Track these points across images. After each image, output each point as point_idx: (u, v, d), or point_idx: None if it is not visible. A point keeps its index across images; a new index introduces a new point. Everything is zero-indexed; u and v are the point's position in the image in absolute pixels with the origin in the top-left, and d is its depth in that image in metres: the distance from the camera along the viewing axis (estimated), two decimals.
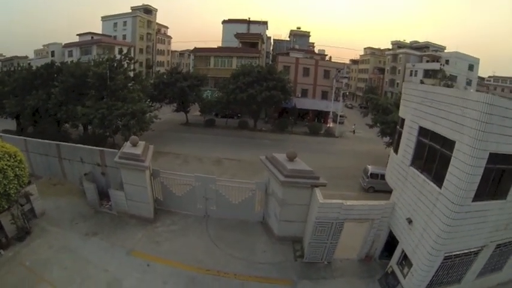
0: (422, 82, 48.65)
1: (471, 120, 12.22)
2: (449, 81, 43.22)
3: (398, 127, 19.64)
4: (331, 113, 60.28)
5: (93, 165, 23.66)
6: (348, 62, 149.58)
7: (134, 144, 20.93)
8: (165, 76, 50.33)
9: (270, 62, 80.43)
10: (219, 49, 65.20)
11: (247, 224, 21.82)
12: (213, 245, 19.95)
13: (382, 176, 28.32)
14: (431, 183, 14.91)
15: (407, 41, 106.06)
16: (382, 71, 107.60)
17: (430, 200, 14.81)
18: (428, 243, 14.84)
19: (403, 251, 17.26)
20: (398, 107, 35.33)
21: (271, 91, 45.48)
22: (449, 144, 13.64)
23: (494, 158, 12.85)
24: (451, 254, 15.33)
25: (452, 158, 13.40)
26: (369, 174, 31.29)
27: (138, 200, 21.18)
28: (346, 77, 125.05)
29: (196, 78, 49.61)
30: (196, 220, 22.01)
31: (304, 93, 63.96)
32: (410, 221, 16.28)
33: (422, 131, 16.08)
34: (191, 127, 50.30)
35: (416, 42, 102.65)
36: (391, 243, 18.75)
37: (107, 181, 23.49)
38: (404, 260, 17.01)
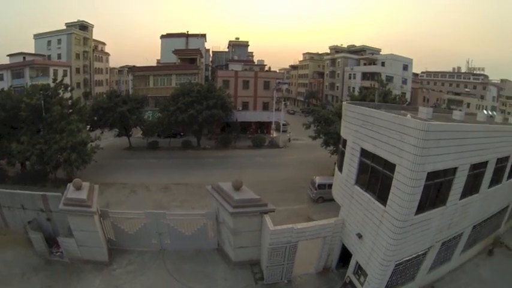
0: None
1: (409, 145, 13.84)
2: (384, 87, 47.05)
3: (340, 146, 21.33)
4: (273, 123, 62.34)
5: (36, 212, 22.47)
6: (287, 67, 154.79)
7: (78, 188, 20.26)
8: (104, 100, 48.50)
9: (210, 75, 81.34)
10: (157, 67, 65.11)
11: (204, 253, 22.31)
12: (172, 279, 20.21)
13: (330, 186, 30.16)
14: (376, 202, 16.60)
15: (345, 45, 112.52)
16: (321, 75, 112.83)
17: (376, 217, 16.50)
18: (379, 256, 16.61)
19: (357, 262, 19.05)
20: (339, 117, 38.14)
21: (212, 110, 46.15)
22: (391, 166, 15.23)
23: (431, 175, 14.81)
24: (401, 260, 17.44)
25: (393, 179, 15.03)
26: (316, 185, 32.89)
27: (90, 244, 20.64)
28: (286, 83, 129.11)
29: (136, 100, 48.87)
30: (153, 256, 22.05)
31: (245, 105, 65.21)
32: (360, 236, 18.04)
33: (365, 153, 17.62)
34: (135, 151, 49.47)
35: (353, 46, 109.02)
36: (346, 253, 20.42)
37: (54, 227, 22.50)
38: (360, 270, 18.77)
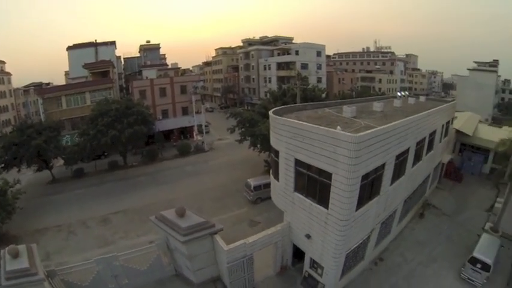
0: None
1: (343, 156, 15.30)
2: (302, 80, 49.22)
3: (273, 156, 22.27)
4: (195, 126, 62.32)
5: None
6: (201, 64, 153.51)
7: (15, 256, 17.65)
8: (15, 134, 42.37)
9: (124, 84, 78.42)
10: (68, 86, 58.46)
11: (164, 282, 22.43)
12: None
13: (265, 186, 32.86)
14: (318, 206, 18.12)
15: (257, 37, 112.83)
16: (236, 69, 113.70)
17: (321, 219, 18.09)
18: (330, 251, 18.46)
19: (311, 258, 20.89)
20: (263, 116, 39.55)
21: (134, 127, 44.64)
22: (327, 174, 16.66)
23: (365, 176, 16.66)
24: (350, 249, 19.61)
25: (332, 186, 16.54)
26: (252, 187, 34.01)
27: None
28: (202, 81, 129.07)
29: (51, 128, 44.17)
30: None
31: (165, 113, 64.49)
32: (309, 237, 19.65)
33: (299, 163, 18.81)
34: (60, 184, 44.55)
35: (265, 37, 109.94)
36: (299, 249, 22.07)
37: None
38: (316, 264, 20.64)
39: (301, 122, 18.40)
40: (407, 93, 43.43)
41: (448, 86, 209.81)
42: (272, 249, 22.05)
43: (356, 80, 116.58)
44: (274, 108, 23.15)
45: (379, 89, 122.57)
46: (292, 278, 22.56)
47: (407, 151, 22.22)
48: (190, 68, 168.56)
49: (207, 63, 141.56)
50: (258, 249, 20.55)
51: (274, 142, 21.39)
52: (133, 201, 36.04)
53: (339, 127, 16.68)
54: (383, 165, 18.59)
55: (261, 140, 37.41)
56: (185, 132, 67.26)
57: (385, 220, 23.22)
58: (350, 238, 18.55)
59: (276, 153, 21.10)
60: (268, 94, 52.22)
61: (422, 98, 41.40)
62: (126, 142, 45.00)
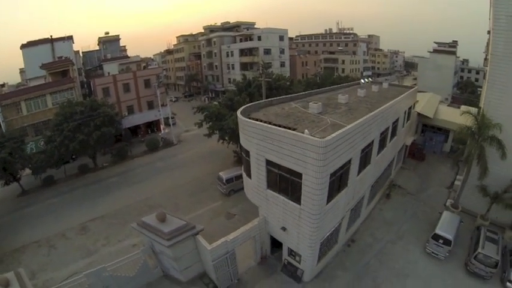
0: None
1: (312, 159, 16.56)
2: (266, 69, 49.83)
3: (244, 155, 23.25)
4: (162, 119, 62.35)
5: None
6: (162, 52, 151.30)
7: (6, 286, 16.95)
8: None
9: (84, 80, 76.21)
10: (26, 90, 55.37)
11: (154, 285, 23.25)
12: None
13: (237, 177, 34.34)
14: (291, 202, 19.53)
15: (219, 23, 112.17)
16: (198, 56, 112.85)
17: (295, 213, 19.55)
18: (305, 241, 20.14)
19: (289, 247, 22.63)
20: (230, 108, 40.13)
21: (101, 129, 43.81)
22: (298, 174, 17.95)
23: (333, 173, 18.14)
24: (324, 237, 21.44)
25: (302, 185, 17.88)
26: (224, 180, 35.02)
27: None
28: (165, 69, 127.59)
29: (14, 139, 41.36)
30: None
31: (131, 109, 63.42)
32: (284, 229, 21.21)
33: (270, 163, 19.90)
34: (31, 195, 42.24)
35: (227, 23, 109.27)
36: (276, 240, 23.69)
37: None
38: (293, 252, 22.41)
39: (269, 125, 19.26)
40: (370, 79, 45.43)
41: (409, 65, 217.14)
42: (251, 242, 23.59)
43: (319, 62, 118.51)
44: (242, 108, 23.84)
45: (343, 69, 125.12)
46: (273, 266, 24.31)
47: (372, 143, 24.07)
48: (152, 57, 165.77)
49: (168, 52, 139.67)
50: (239, 245, 21.99)
51: (244, 143, 22.36)
52: (109, 205, 35.93)
53: (306, 131, 17.84)
54: (349, 160, 20.22)
55: (229, 134, 37.98)
56: (152, 126, 67.20)
57: (354, 207, 25.24)
58: (323, 228, 20.28)
59: (247, 152, 22.11)
60: (234, 87, 51.66)
61: (385, 85, 43.25)
62: (94, 145, 44.33)
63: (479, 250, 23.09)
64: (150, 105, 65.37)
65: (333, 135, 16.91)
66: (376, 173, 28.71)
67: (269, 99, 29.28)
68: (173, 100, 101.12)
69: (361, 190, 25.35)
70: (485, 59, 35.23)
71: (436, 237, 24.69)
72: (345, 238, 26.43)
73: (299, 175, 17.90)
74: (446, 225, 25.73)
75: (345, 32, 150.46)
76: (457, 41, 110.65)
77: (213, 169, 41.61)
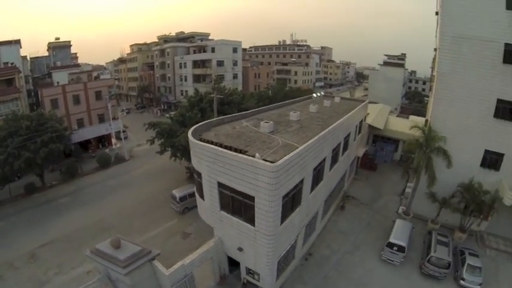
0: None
1: (264, 183, 16.68)
2: (219, 84, 49.66)
3: (196, 177, 22.99)
4: (113, 133, 60.17)
5: None
6: (115, 60, 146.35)
7: None
8: None
9: (32, 87, 71.87)
10: None
11: None
12: None
13: (190, 195, 33.81)
14: (246, 224, 19.56)
15: (173, 33, 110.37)
16: (152, 67, 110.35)
17: (250, 234, 19.59)
18: (262, 261, 20.29)
19: (246, 267, 22.67)
20: (181, 124, 39.58)
21: (49, 145, 40.88)
22: (250, 197, 18.00)
23: (286, 195, 18.42)
24: (281, 255, 21.69)
25: (255, 207, 17.97)
26: (178, 199, 34.56)
27: None
28: (117, 79, 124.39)
29: None
30: None
31: (81, 123, 59.44)
32: (241, 249, 21.25)
33: (222, 185, 19.79)
34: None
35: (182, 33, 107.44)
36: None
37: None
38: (252, 271, 22.44)
39: (220, 148, 19.23)
40: (322, 93, 46.67)
41: (360, 76, 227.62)
42: (209, 263, 23.37)
43: (272, 74, 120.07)
44: (192, 128, 23.54)
45: (295, 81, 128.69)
46: (233, 285, 24.23)
47: (324, 160, 24.63)
48: (104, 65, 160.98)
49: (121, 60, 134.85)
50: (197, 267, 21.72)
51: (195, 164, 22.08)
52: (59, 229, 33.58)
53: (257, 154, 17.95)
54: (302, 180, 20.57)
55: (181, 151, 37.32)
56: (103, 140, 64.34)
57: (309, 222, 25.71)
58: (279, 247, 20.52)
59: (199, 174, 21.86)
60: (184, 94, 49.97)
61: (337, 99, 44.65)
62: (42, 163, 41.67)
63: (432, 253, 25.13)
64: (101, 119, 62.59)
65: (284, 158, 17.12)
66: (329, 188, 29.47)
67: (220, 117, 29.17)
68: (125, 112, 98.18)
69: (315, 206, 25.92)
70: (432, 74, 37.37)
71: (391, 245, 26.29)
72: (302, 252, 26.86)
73: (252, 198, 17.98)
74: (400, 233, 27.44)
75: (298, 43, 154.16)
76: (405, 54, 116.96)
77: (166, 186, 41.00)
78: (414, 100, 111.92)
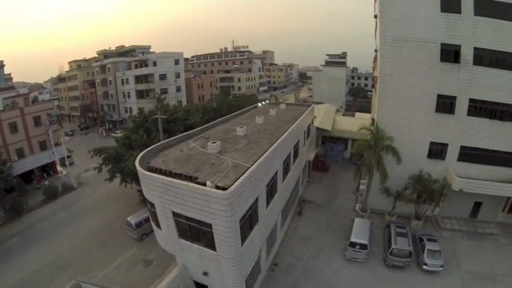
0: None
1: (218, 210, 16.61)
2: (162, 102, 48.69)
3: (149, 207, 22.25)
4: (57, 160, 56.67)
5: None
6: (55, 77, 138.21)
7: None
8: None
9: None
10: None
11: None
12: None
13: (146, 220, 32.65)
14: (206, 249, 19.36)
15: (113, 47, 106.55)
16: (93, 84, 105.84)
17: (213, 259, 19.45)
18: (229, 283, 20.27)
19: None
20: (128, 147, 38.47)
21: None
22: (207, 224, 17.86)
23: (242, 217, 18.46)
24: (247, 273, 21.83)
25: (214, 233, 17.88)
26: (134, 226, 33.44)
27: None
28: (57, 99, 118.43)
29: None
30: None
31: (21, 152, 55.49)
32: (206, 274, 21.01)
33: (177, 214, 19.42)
34: None
35: (122, 47, 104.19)
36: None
37: None
38: None
39: (171, 179, 18.83)
40: (267, 101, 47.09)
41: (303, 76, 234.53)
42: None
43: (215, 82, 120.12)
44: (139, 156, 22.94)
45: (239, 87, 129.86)
46: None
47: (275, 174, 24.93)
48: (43, 84, 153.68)
49: (60, 79, 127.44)
50: None
51: (147, 194, 21.51)
52: (13, 274, 30.51)
53: (208, 182, 17.79)
54: (256, 199, 20.73)
55: (131, 176, 36.10)
56: (48, 168, 59.72)
57: (269, 235, 25.98)
58: (244, 267, 20.68)
59: (152, 204, 21.35)
60: (130, 121, 47.83)
61: (282, 106, 45.29)
62: None
63: (393, 246, 27.20)
64: (43, 146, 58.51)
65: (236, 184, 17.13)
66: (284, 197, 29.91)
67: (167, 140, 28.42)
68: (69, 134, 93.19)
69: (273, 218, 26.21)
70: (374, 75, 38.91)
71: (353, 244, 27.78)
72: (267, 264, 27.14)
73: (209, 225, 17.89)
74: (360, 231, 29.05)
75: (240, 50, 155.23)
76: (346, 53, 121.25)
77: (120, 212, 39.61)
78: (358, 96, 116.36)
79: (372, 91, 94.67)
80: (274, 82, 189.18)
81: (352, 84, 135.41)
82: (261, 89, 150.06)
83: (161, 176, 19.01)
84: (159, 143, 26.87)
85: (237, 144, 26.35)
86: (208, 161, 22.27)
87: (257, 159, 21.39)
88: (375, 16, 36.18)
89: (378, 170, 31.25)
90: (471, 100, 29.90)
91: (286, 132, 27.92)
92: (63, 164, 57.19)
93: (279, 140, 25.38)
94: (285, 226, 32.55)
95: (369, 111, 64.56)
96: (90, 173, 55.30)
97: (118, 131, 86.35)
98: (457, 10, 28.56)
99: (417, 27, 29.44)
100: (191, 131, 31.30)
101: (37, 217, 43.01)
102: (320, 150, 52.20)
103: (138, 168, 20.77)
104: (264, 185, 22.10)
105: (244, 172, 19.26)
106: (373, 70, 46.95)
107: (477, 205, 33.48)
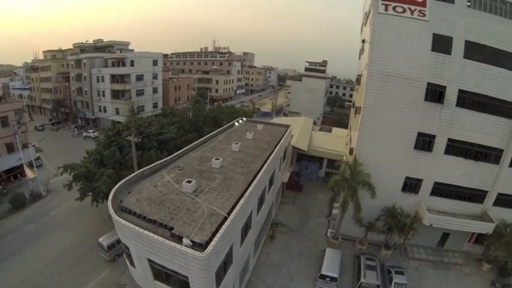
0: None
1: (195, 267, 16.81)
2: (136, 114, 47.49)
3: (124, 247, 22.07)
4: (23, 163, 53.31)
5: None
6: (28, 62, 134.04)
7: None
8: None
9: None
10: None
11: None
12: None
13: (118, 241, 31.22)
14: None
15: (91, 40, 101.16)
16: (67, 78, 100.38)
17: None
18: None
19: None
20: (100, 164, 37.08)
21: None
22: (183, 275, 18.03)
23: (218, 268, 18.77)
24: None
25: (190, 283, 18.09)
26: (106, 248, 32.56)
27: None
28: (28, 89, 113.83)
29: None
30: None
31: None
32: None
33: (154, 262, 19.29)
34: None
35: (100, 40, 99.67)
36: None
37: None
38: None
39: (146, 232, 18.33)
40: (244, 119, 46.60)
41: (281, 79, 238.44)
42: None
43: (193, 83, 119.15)
44: (112, 192, 22.62)
45: (216, 90, 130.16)
46: None
47: (251, 213, 25.15)
48: (15, 71, 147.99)
49: (33, 68, 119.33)
50: None
51: (122, 238, 21.19)
52: None
53: (185, 240, 17.71)
54: (231, 246, 20.91)
55: (102, 197, 34.82)
56: (15, 171, 55.90)
57: (242, 268, 26.14)
58: None
59: (127, 247, 21.08)
60: (103, 111, 44.59)
61: (259, 127, 44.97)
62: None
63: (362, 280, 28.55)
64: (10, 148, 54.88)
65: (213, 243, 17.25)
66: (258, 228, 30.12)
67: (140, 170, 27.37)
68: (39, 129, 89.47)
69: (246, 253, 26.41)
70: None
71: (323, 276, 28.68)
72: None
73: (185, 276, 18.02)
74: (330, 263, 29.99)
75: (220, 51, 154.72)
76: (326, 61, 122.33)
77: (91, 227, 38.44)
78: (335, 105, 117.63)
79: (350, 101, 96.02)
80: (252, 85, 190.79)
81: (330, 92, 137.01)
82: (238, 91, 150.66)
83: (137, 228, 18.66)
84: (133, 175, 26.20)
85: (212, 181, 26.23)
86: (184, 205, 22.08)
87: (233, 205, 21.73)
88: (363, 41, 37.03)
89: (352, 199, 32.05)
90: (449, 140, 31.35)
91: (263, 169, 28.05)
92: (31, 166, 54.37)
93: (255, 181, 25.43)
94: (257, 252, 32.77)
95: (346, 125, 65.59)
96: (60, 178, 48.49)
97: (90, 130, 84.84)
98: (448, 51, 29.66)
99: (406, 64, 30.20)
100: (165, 160, 30.46)
101: (3, 229, 39.98)
102: (295, 167, 52.57)
103: (113, 214, 20.33)
104: (239, 230, 22.38)
105: (221, 223, 19.53)
106: (355, 86, 47.38)
107: (445, 235, 35.31)
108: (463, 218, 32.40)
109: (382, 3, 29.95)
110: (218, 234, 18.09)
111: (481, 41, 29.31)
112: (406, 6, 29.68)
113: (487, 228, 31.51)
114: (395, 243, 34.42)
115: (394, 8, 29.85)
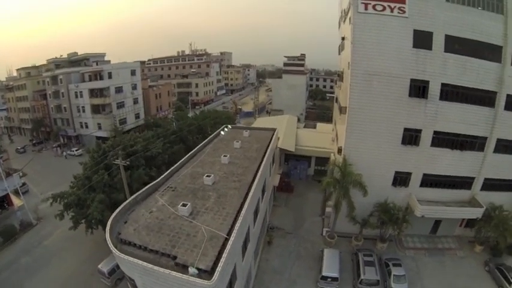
0: None
1: None
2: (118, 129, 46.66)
3: (128, 279, 21.66)
4: (8, 192, 50.51)
5: None
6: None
7: None
8: None
9: None
10: None
11: None
12: None
13: (118, 266, 29.39)
14: None
15: (65, 54, 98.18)
16: (44, 96, 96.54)
17: None
18: None
19: None
20: (90, 189, 36.06)
21: None
22: None
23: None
24: None
25: None
26: (107, 274, 31.94)
27: None
28: (5, 110, 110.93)
29: None
30: None
31: None
32: None
33: None
34: None
35: (75, 54, 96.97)
36: None
37: None
38: None
39: (150, 266, 18.19)
40: (229, 127, 46.55)
41: (260, 75, 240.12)
42: None
43: (173, 89, 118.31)
44: (109, 224, 22.36)
45: (197, 93, 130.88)
46: None
47: (248, 228, 25.40)
48: None
49: (9, 88, 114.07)
50: None
51: (126, 271, 21.07)
52: None
53: (190, 269, 17.82)
54: (234, 265, 21.17)
55: (96, 223, 34.26)
56: (2, 201, 53.25)
57: (246, 279, 26.36)
58: None
59: (131, 279, 20.94)
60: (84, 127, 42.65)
61: (245, 134, 44.96)
62: None
63: (362, 276, 29.54)
64: None
65: (219, 269, 17.37)
66: (256, 239, 30.35)
67: (133, 196, 26.95)
68: (20, 151, 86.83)
69: (247, 265, 26.57)
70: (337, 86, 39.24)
71: (325, 277, 29.48)
72: None
73: None
74: (330, 264, 30.75)
75: (197, 53, 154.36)
76: (304, 55, 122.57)
77: (89, 253, 37.37)
78: (317, 98, 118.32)
79: (332, 93, 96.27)
80: (231, 85, 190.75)
81: (311, 85, 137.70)
82: (219, 93, 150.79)
83: (141, 262, 18.50)
84: (126, 202, 25.84)
85: (206, 200, 26.21)
86: (182, 230, 22.05)
87: (231, 224, 22.06)
88: (342, 38, 37.63)
89: (344, 199, 32.72)
90: (435, 132, 32.25)
91: (255, 182, 28.31)
92: (16, 193, 52.09)
93: (249, 196, 25.64)
94: (257, 259, 33.04)
95: (330, 119, 66.02)
96: (48, 203, 48.98)
97: (74, 148, 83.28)
98: (429, 46, 30.23)
99: (388, 62, 30.66)
100: (156, 182, 29.93)
101: None
102: (283, 167, 52.86)
103: (113, 250, 20.08)
104: (239, 248, 22.63)
105: (222, 245, 19.79)
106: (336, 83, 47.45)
107: (437, 222, 36.49)
108: (453, 206, 33.58)
109: (362, 2, 30.18)
110: (222, 259, 18.24)
111: (461, 34, 30.07)
112: (385, 4, 29.96)
113: (476, 213, 32.75)
114: (391, 235, 35.38)
115: (374, 7, 30.10)
